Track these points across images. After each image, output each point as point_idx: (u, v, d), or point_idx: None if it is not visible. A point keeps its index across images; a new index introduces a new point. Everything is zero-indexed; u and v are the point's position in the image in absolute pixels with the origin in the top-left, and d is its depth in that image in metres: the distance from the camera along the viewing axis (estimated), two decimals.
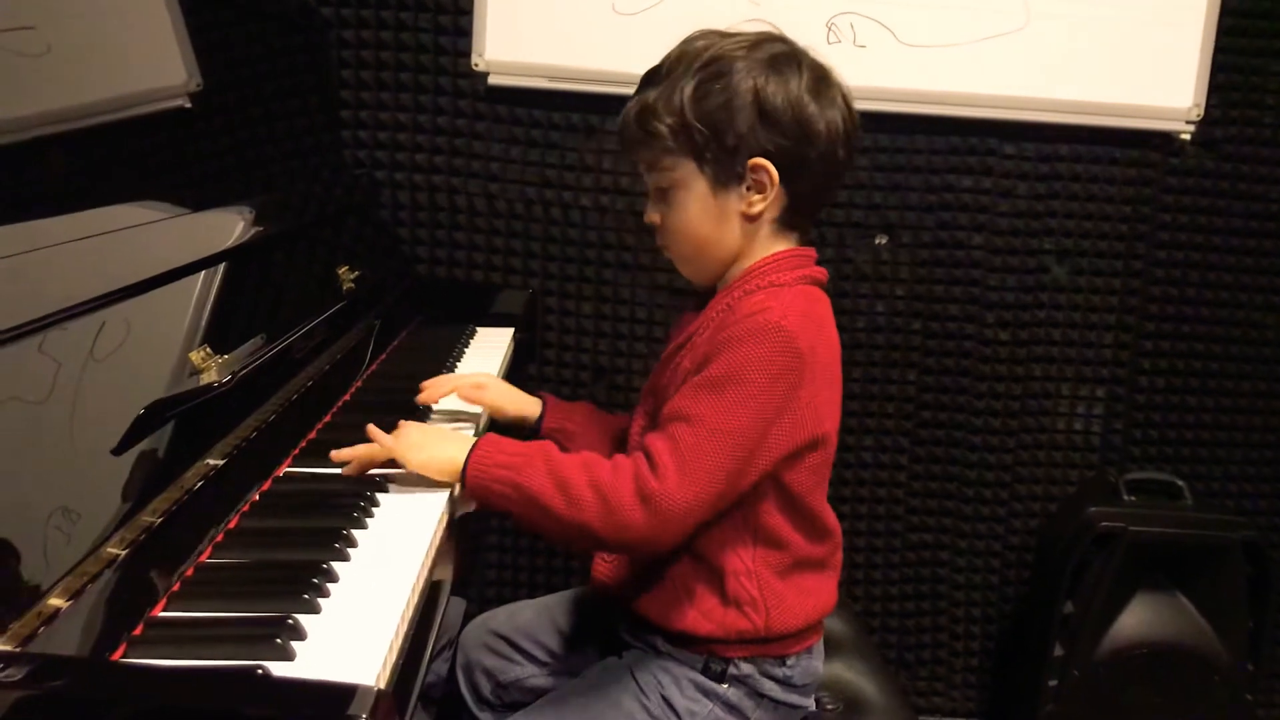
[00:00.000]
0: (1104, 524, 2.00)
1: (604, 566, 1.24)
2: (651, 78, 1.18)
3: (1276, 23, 2.08)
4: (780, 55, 1.14)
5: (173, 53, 1.29)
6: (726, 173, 1.13)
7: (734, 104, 1.11)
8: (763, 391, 1.06)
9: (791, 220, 1.17)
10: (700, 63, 1.13)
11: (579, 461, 1.07)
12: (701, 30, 1.19)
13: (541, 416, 1.38)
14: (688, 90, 1.12)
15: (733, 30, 1.18)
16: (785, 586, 1.16)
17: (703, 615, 1.15)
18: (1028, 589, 2.26)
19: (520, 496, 1.06)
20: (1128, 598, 2.04)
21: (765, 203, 1.14)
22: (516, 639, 1.35)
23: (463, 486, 1.10)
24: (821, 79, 1.14)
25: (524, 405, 1.39)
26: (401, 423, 1.18)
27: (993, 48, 2.02)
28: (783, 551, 1.16)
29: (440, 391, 1.37)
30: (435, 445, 1.13)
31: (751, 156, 1.12)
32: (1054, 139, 2.10)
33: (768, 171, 1.12)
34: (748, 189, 1.14)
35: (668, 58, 1.17)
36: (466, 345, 1.72)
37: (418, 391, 1.39)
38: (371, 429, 1.16)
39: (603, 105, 2.02)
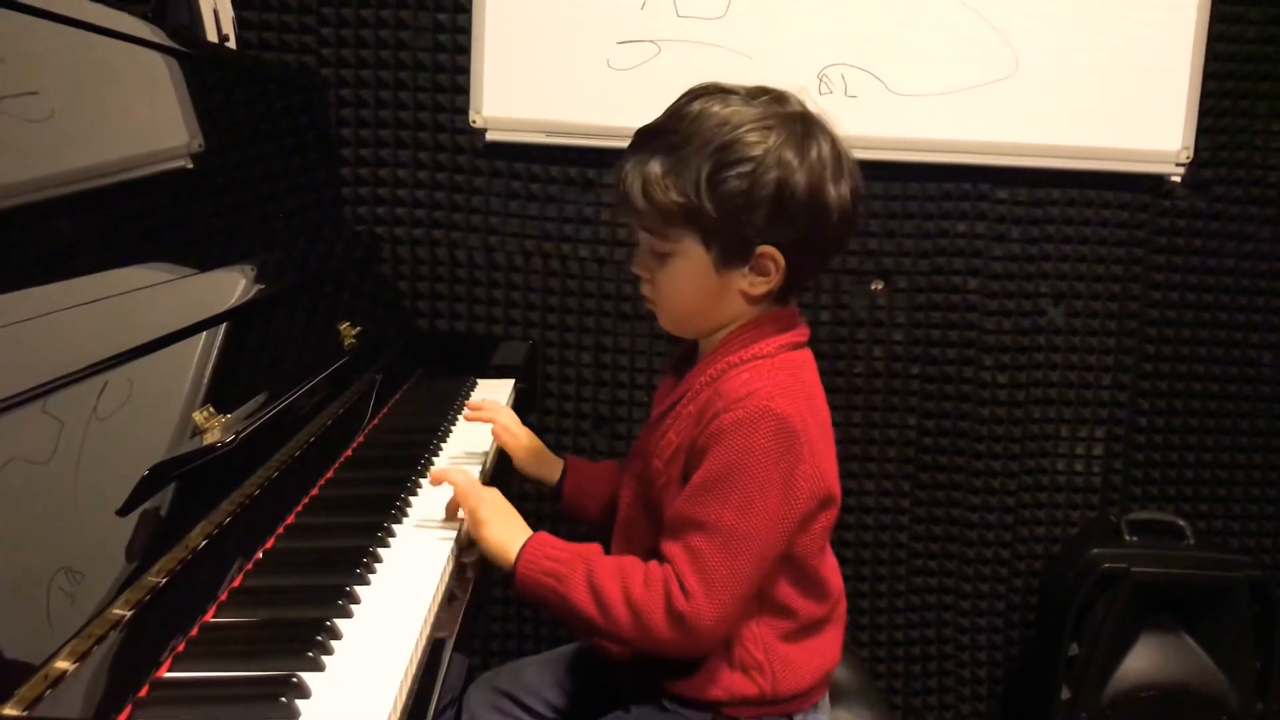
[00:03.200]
0: (1107, 565, 2.00)
1: None
2: (657, 140, 1.12)
3: (1261, 65, 2.12)
4: (802, 135, 1.09)
5: (174, 114, 1.31)
6: (732, 256, 1.11)
7: (754, 196, 1.07)
8: (766, 482, 1.06)
9: (786, 294, 1.17)
10: (717, 144, 1.07)
11: (615, 572, 1.09)
12: (706, 86, 1.13)
13: (562, 480, 1.40)
14: (705, 172, 1.07)
15: (740, 90, 1.13)
16: (791, 650, 1.16)
17: (709, 680, 1.15)
18: (1032, 632, 2.25)
19: (561, 603, 1.10)
20: (1133, 639, 2.03)
21: (769, 285, 1.12)
22: (521, 696, 1.35)
23: (511, 579, 1.12)
24: (838, 154, 1.11)
25: (544, 469, 1.42)
26: (485, 491, 1.18)
27: (983, 95, 2.04)
28: (790, 618, 1.16)
29: (486, 416, 1.46)
30: (500, 526, 1.15)
31: (763, 245, 1.09)
32: (1046, 183, 2.12)
33: (775, 260, 1.10)
34: (750, 269, 1.11)
35: (678, 121, 1.11)
36: (468, 397, 1.73)
37: (420, 446, 1.41)
38: (466, 482, 1.17)
39: (599, 159, 2.04)
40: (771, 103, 1.12)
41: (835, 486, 1.15)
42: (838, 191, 1.10)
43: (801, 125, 1.10)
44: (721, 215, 1.08)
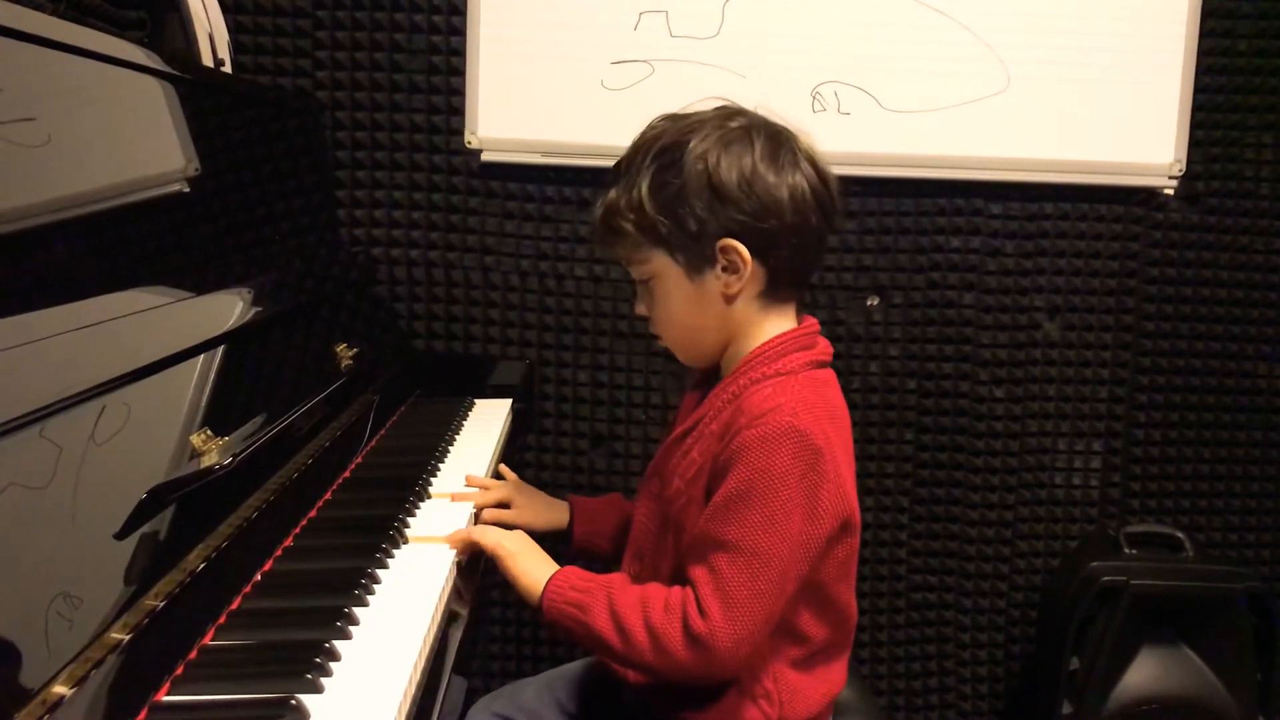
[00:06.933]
0: (1106, 578, 2.00)
1: None
2: (614, 173, 1.18)
3: (1251, 78, 2.13)
4: (733, 130, 1.12)
5: (171, 139, 1.31)
6: (698, 258, 1.13)
7: (687, 190, 1.10)
8: (789, 501, 1.06)
9: (777, 293, 1.16)
10: (654, 153, 1.13)
11: (636, 600, 1.10)
12: (660, 116, 1.19)
13: (571, 525, 1.40)
14: (644, 184, 1.12)
15: (689, 111, 1.17)
16: (800, 678, 1.16)
17: (715, 706, 1.14)
18: (1033, 646, 2.25)
19: (585, 632, 1.12)
20: (1133, 652, 2.02)
21: (742, 282, 1.13)
22: (520, 719, 1.34)
23: (539, 611, 1.15)
24: (778, 146, 1.13)
25: (553, 517, 1.41)
26: (506, 533, 1.21)
27: (975, 111, 2.05)
28: (804, 645, 1.16)
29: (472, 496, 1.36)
30: (527, 559, 1.18)
31: (718, 238, 1.11)
32: (1040, 198, 2.13)
33: (738, 251, 1.11)
34: (723, 270, 1.13)
35: (629, 150, 1.17)
36: (465, 418, 1.73)
37: (418, 467, 1.40)
38: (482, 529, 1.21)
39: (594, 178, 2.05)
40: (715, 114, 1.16)
41: (856, 508, 1.15)
42: (782, 182, 1.11)
43: (739, 127, 1.13)
44: (669, 219, 1.12)
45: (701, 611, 1.05)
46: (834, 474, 1.09)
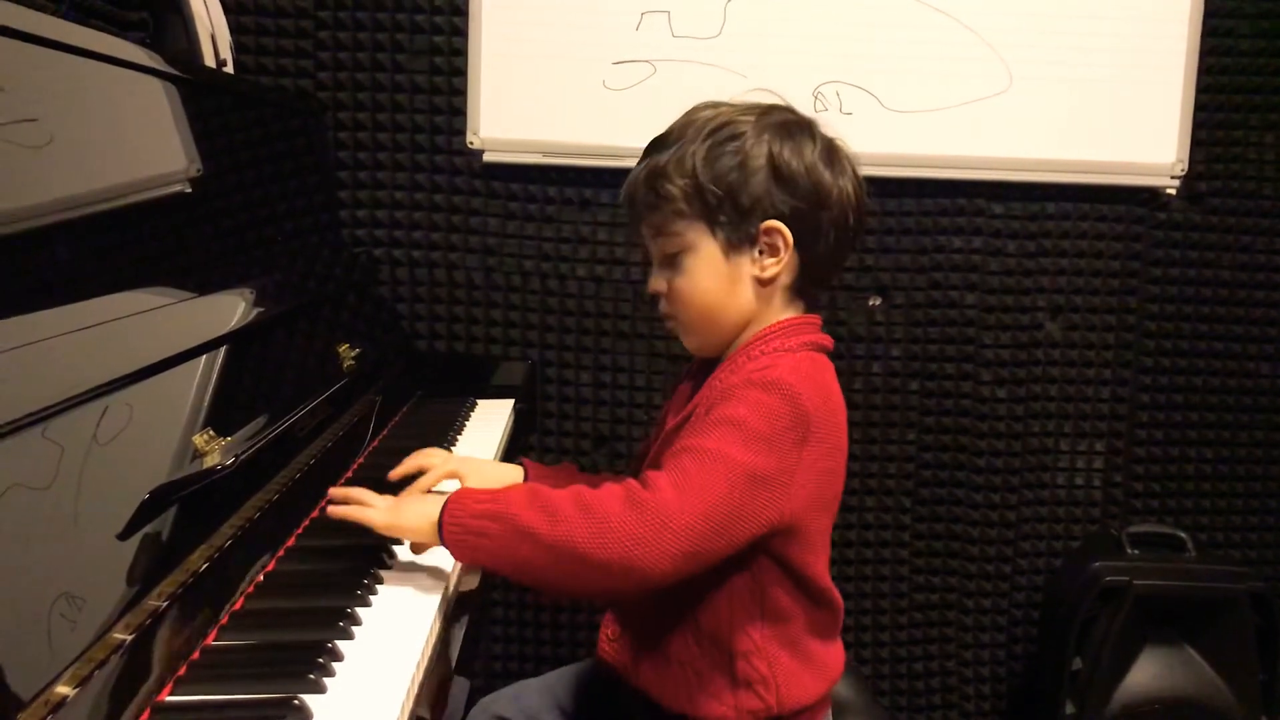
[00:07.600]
0: (1109, 579, 1.99)
1: (609, 646, 1.23)
2: (659, 144, 1.18)
3: (1253, 78, 2.13)
4: (791, 122, 1.15)
5: (173, 139, 1.31)
6: (739, 235, 1.13)
7: (749, 165, 1.11)
8: (764, 437, 1.04)
9: (803, 287, 1.17)
10: (712, 127, 1.14)
11: (568, 489, 1.05)
12: (706, 101, 1.19)
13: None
14: (700, 153, 1.12)
15: (737, 101, 1.19)
16: (794, 662, 1.15)
17: (713, 697, 1.14)
18: (1035, 646, 2.25)
19: (501, 528, 1.02)
20: (1136, 652, 2.02)
21: (779, 266, 1.13)
22: None
23: (441, 538, 1.05)
24: (832, 148, 1.16)
25: (506, 478, 1.34)
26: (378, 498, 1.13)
27: (977, 111, 2.05)
28: (789, 624, 1.15)
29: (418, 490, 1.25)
30: (409, 512, 1.09)
31: (765, 219, 1.12)
32: (1042, 198, 2.13)
33: (782, 234, 1.12)
34: (760, 252, 1.13)
35: (675, 125, 1.18)
36: (467, 418, 1.73)
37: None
38: (368, 499, 1.12)
39: (596, 179, 2.05)
40: (767, 105, 1.18)
41: (835, 494, 1.15)
42: (833, 178, 1.14)
43: (796, 120, 1.16)
44: (722, 189, 1.12)
45: (648, 485, 1.01)
46: (816, 444, 1.07)
